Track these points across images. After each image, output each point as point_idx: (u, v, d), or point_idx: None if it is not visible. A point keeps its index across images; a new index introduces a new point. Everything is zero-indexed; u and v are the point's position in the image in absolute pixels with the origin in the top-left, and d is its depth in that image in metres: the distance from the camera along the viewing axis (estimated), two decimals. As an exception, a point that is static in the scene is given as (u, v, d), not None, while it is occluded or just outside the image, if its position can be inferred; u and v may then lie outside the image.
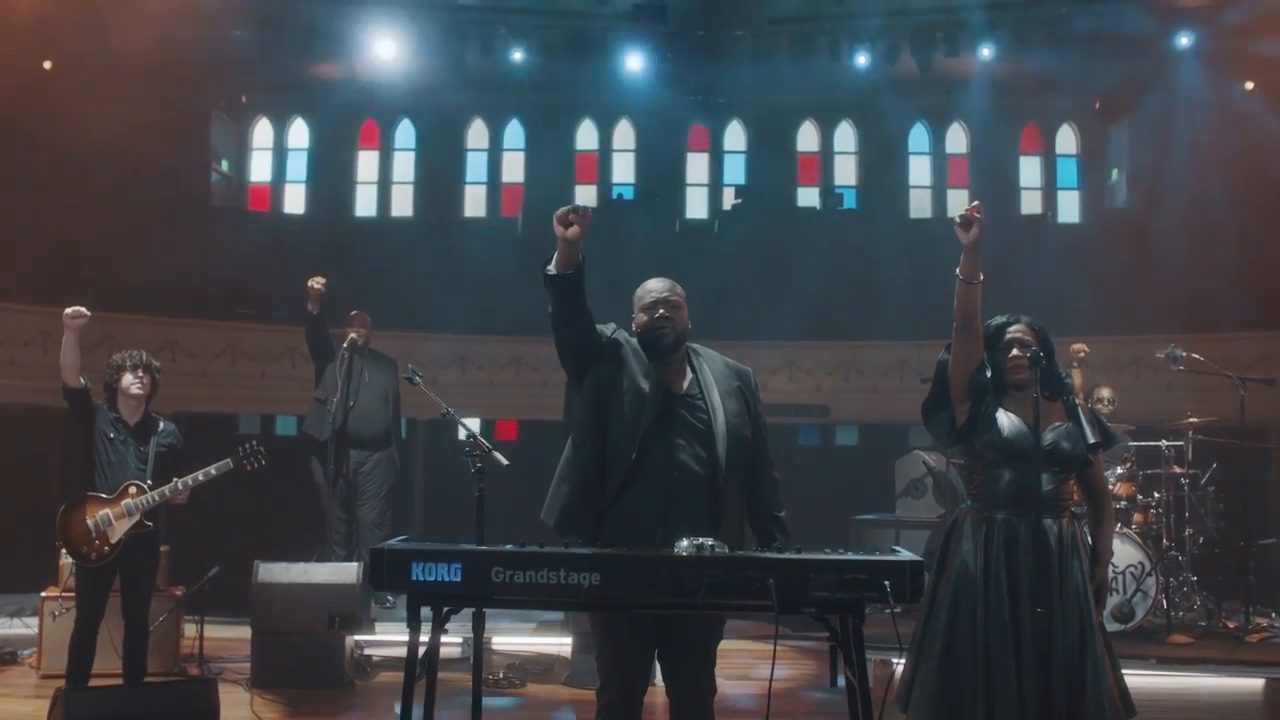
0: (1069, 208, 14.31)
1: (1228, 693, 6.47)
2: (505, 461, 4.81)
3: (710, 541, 3.21)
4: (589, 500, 3.60)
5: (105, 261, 10.02)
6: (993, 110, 13.19)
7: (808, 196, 14.01)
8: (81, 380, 5.26)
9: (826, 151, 14.33)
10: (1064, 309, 9.64)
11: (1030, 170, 14.32)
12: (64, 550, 5.60)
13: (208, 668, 6.36)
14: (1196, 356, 7.79)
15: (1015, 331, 3.94)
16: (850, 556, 3.22)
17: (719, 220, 13.60)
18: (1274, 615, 8.19)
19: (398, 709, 3.30)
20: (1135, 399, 9.43)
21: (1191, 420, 8.04)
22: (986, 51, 11.98)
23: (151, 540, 5.39)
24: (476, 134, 14.30)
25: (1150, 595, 7.42)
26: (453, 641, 6.18)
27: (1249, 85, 11.64)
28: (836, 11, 11.97)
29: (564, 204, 3.51)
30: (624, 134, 14.38)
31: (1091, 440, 3.90)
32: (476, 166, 14.31)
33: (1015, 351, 3.89)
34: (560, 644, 6.84)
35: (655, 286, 3.75)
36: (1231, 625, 7.72)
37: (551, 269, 3.50)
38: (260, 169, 14.18)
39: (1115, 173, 14.13)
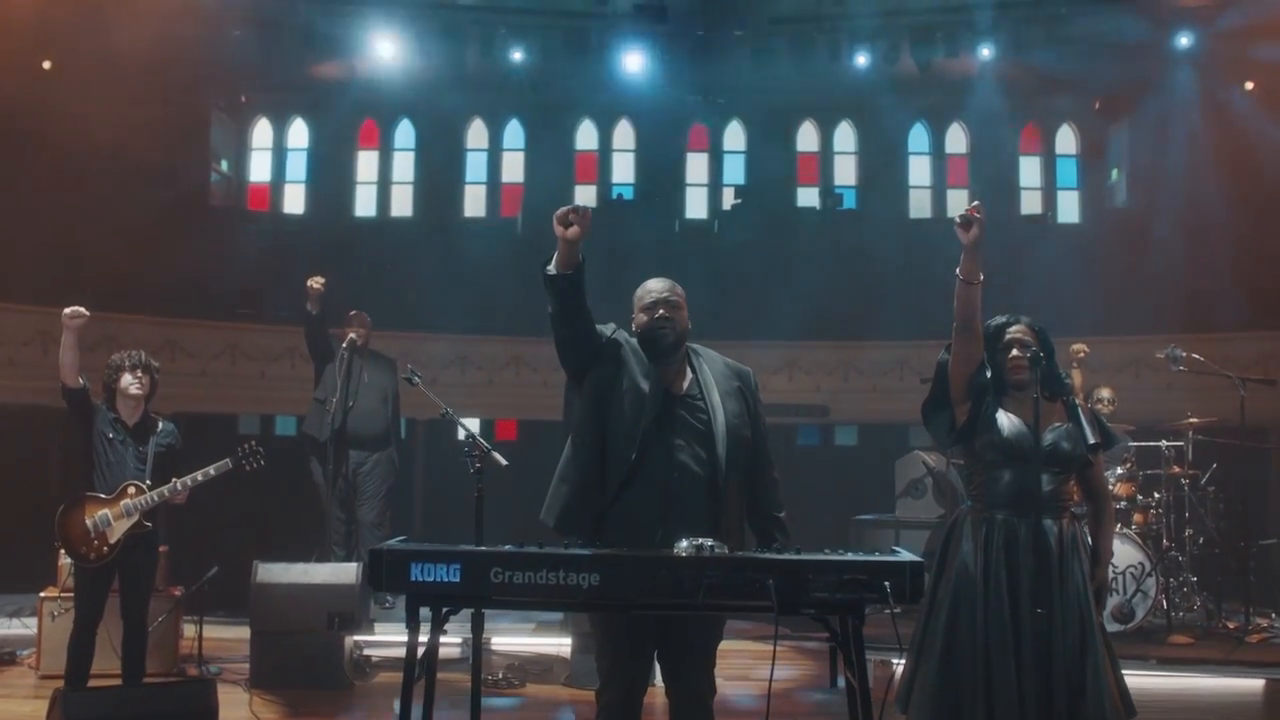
0: (1069, 208, 14.29)
1: (1228, 693, 6.46)
2: (504, 462, 4.81)
3: (710, 542, 3.21)
4: (589, 500, 3.60)
5: (104, 261, 10.01)
6: (992, 110, 13.17)
7: (807, 196, 14.00)
8: (80, 380, 5.25)
9: (826, 152, 14.31)
10: (1064, 309, 9.63)
11: (1030, 170, 14.30)
12: (63, 550, 5.59)
13: (207, 668, 6.36)
14: (1196, 356, 7.79)
15: (1015, 332, 3.94)
16: (850, 557, 3.21)
17: (719, 220, 13.59)
18: (1274, 616, 8.19)
19: (397, 709, 3.28)
20: (1135, 399, 9.43)
21: (1191, 420, 8.04)
22: (986, 51, 11.98)
23: (150, 540, 5.38)
24: (476, 134, 14.29)
25: (1150, 596, 7.42)
26: (452, 642, 6.18)
27: (1249, 85, 11.63)
28: (836, 11, 11.96)
29: (564, 204, 3.51)
30: (624, 134, 14.37)
31: (1091, 441, 3.90)
32: (476, 166, 14.29)
33: (1015, 352, 3.89)
34: (560, 644, 6.83)
35: (655, 287, 3.74)
36: (1231, 626, 7.71)
37: (551, 269, 3.49)
38: (260, 169, 14.16)
39: (1115, 173, 14.12)
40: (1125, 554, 7.32)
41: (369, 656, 6.61)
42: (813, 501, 9.15)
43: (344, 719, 5.78)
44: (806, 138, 14.35)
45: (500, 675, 6.28)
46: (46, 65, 10.65)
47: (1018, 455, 3.79)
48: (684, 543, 3.21)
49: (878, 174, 14.04)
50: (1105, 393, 8.01)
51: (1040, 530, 3.75)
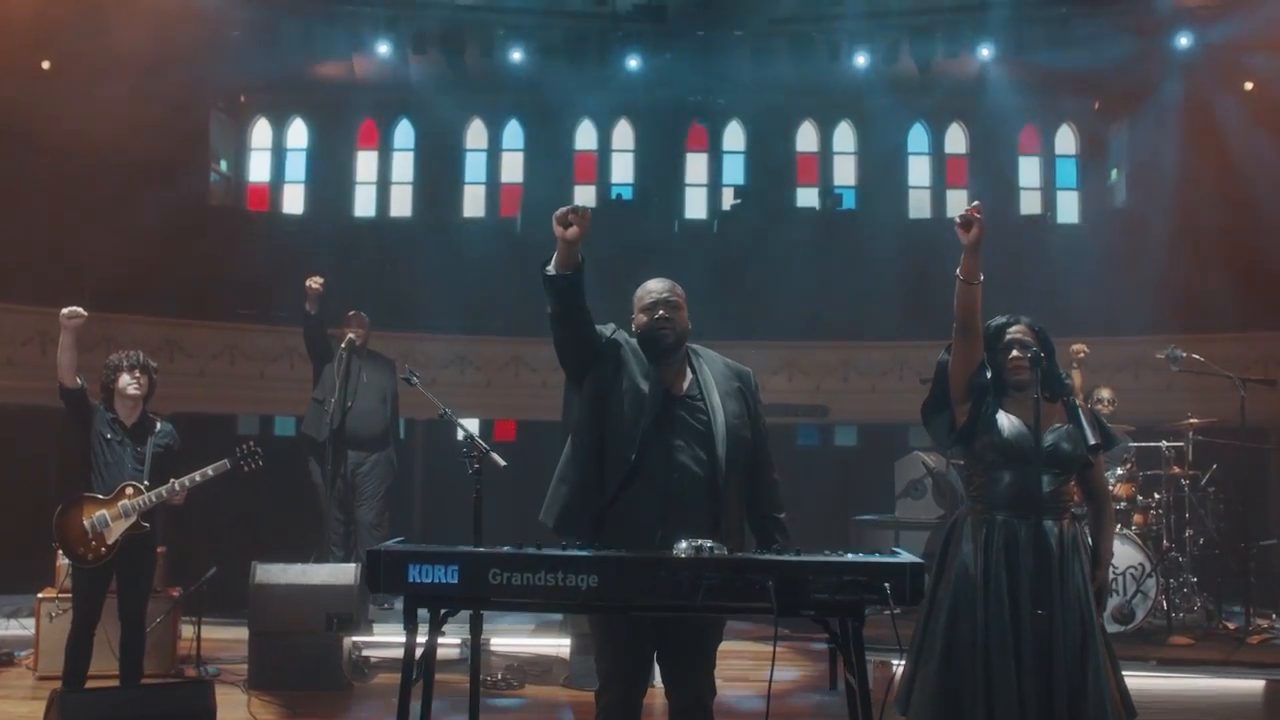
0: (1068, 208, 14.28)
1: (1228, 694, 6.45)
2: (503, 462, 4.80)
3: (709, 543, 3.20)
4: (588, 501, 3.59)
5: (103, 261, 9.99)
6: (992, 110, 13.17)
7: (807, 197, 13.99)
8: (78, 381, 5.24)
9: (825, 152, 14.30)
10: (1064, 309, 9.63)
11: (1030, 170, 14.30)
12: (61, 551, 5.58)
13: (205, 669, 6.35)
14: (1196, 357, 7.78)
15: (1015, 332, 3.93)
16: (850, 558, 3.20)
17: (718, 220, 13.58)
18: (1274, 617, 8.18)
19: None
20: (1135, 399, 9.43)
21: (1192, 421, 8.03)
22: (986, 51, 11.98)
23: (148, 541, 5.37)
24: (475, 134, 14.28)
25: (1150, 597, 7.41)
26: (451, 643, 6.17)
27: (1248, 86, 11.62)
28: (835, 12, 11.96)
29: (563, 204, 3.49)
30: (623, 134, 14.36)
31: (1092, 441, 3.89)
32: (475, 167, 14.28)
33: (1015, 352, 3.88)
34: (559, 645, 6.83)
35: (655, 287, 3.73)
36: (1232, 627, 7.71)
37: (551, 269, 3.48)
38: (259, 169, 14.15)
39: (1114, 173, 14.11)
40: (1125, 555, 7.31)
41: (368, 657, 6.60)
42: (813, 502, 9.15)
43: (342, 720, 5.78)
44: (806, 138, 14.34)
45: (499, 676, 6.28)
46: (46, 65, 10.63)
47: (1018, 456, 3.78)
48: (683, 544, 3.20)
49: (877, 174, 14.03)
50: (1105, 393, 8.00)
51: (1040, 531, 3.74)
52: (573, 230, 3.43)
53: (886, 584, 3.12)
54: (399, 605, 3.33)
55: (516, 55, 12.01)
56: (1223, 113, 11.49)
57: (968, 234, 3.76)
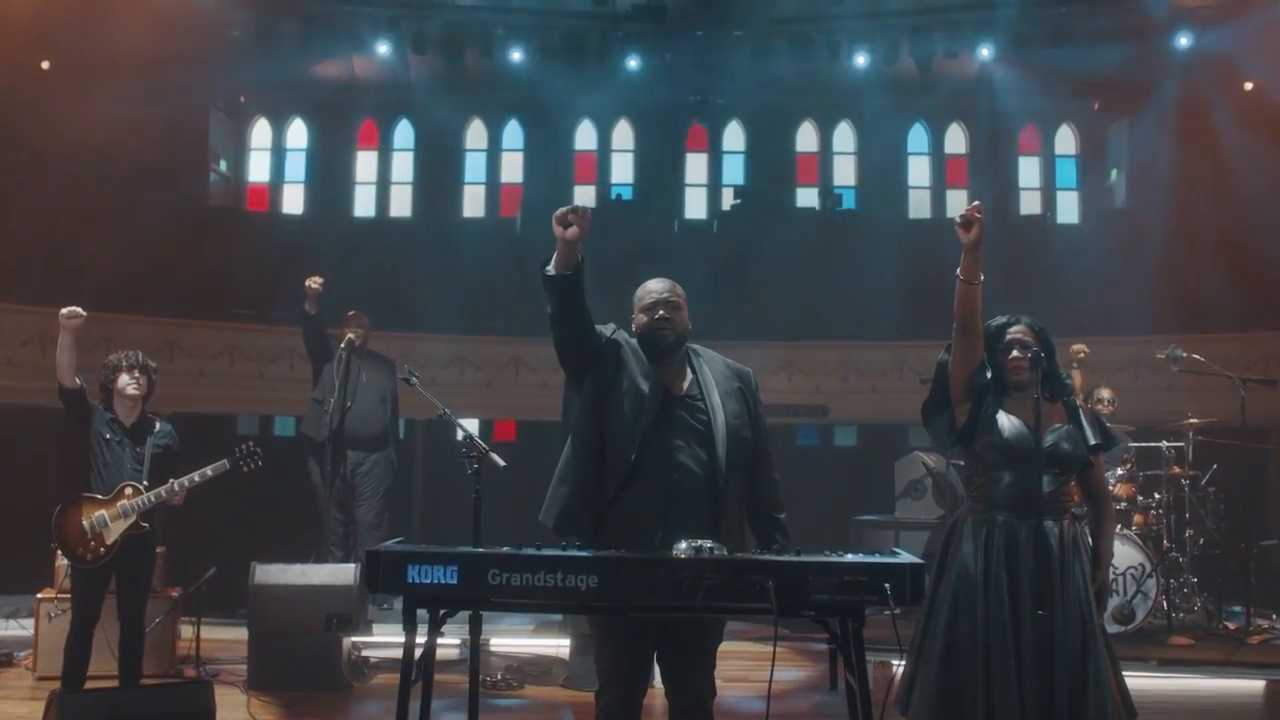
0: (1068, 208, 14.29)
1: (1228, 694, 6.45)
2: (502, 463, 4.80)
3: (709, 543, 3.19)
4: (588, 501, 3.58)
5: (103, 262, 9.99)
6: (991, 111, 13.17)
7: (807, 197, 13.99)
8: (77, 381, 5.24)
9: (825, 152, 14.31)
10: (1064, 309, 9.62)
11: (1029, 170, 14.30)
12: (60, 551, 5.56)
13: (204, 669, 6.34)
14: (1197, 357, 7.77)
15: (1015, 332, 3.92)
16: (850, 559, 3.19)
17: (718, 221, 13.58)
18: (1274, 617, 8.18)
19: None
20: (1135, 399, 9.42)
21: (1192, 421, 8.02)
22: (986, 51, 11.99)
23: (148, 541, 5.36)
24: (475, 134, 14.28)
25: (1150, 597, 7.41)
26: (450, 643, 6.16)
27: (1248, 86, 11.62)
28: (835, 11, 11.97)
29: (563, 204, 3.49)
30: (623, 134, 14.36)
31: (1092, 441, 3.88)
32: (475, 167, 14.28)
33: (1015, 352, 3.87)
34: (559, 645, 6.82)
35: (655, 287, 3.73)
36: (1232, 627, 7.71)
37: (551, 269, 3.48)
38: (259, 169, 14.15)
39: (1114, 173, 14.11)
40: (1125, 555, 7.31)
41: (367, 658, 6.60)
42: (812, 502, 9.13)
43: (342, 720, 5.77)
44: (806, 138, 14.34)
45: (499, 677, 6.27)
46: (45, 65, 10.63)
47: (1018, 456, 3.77)
48: (683, 544, 3.19)
49: (877, 174, 14.03)
50: (1105, 393, 7.99)
51: (1041, 532, 3.73)
52: (572, 230, 3.42)
53: (887, 584, 3.11)
54: (398, 605, 3.33)
55: (516, 55, 12.01)
56: (1222, 112, 11.49)
57: (968, 234, 3.75)
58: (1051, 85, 12.71)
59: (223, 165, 13.83)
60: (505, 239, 12.70)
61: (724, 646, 3.74)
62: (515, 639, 7.25)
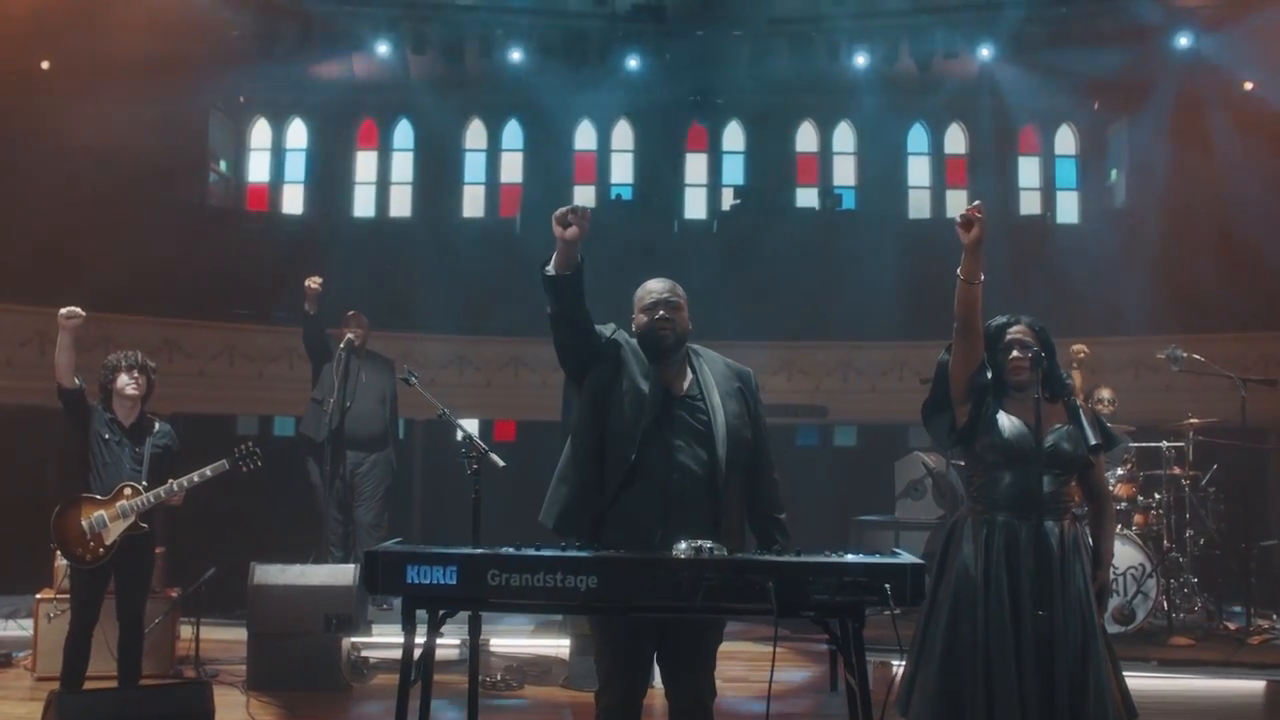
0: (1068, 208, 14.30)
1: (1228, 695, 6.45)
2: (501, 463, 4.79)
3: (709, 544, 3.19)
4: (588, 501, 3.58)
5: (102, 262, 9.98)
6: (991, 110, 13.17)
7: (806, 197, 13.99)
8: (76, 381, 5.23)
9: (825, 152, 14.31)
10: (1064, 309, 9.61)
11: (1029, 170, 14.31)
12: (59, 552, 5.56)
13: (203, 670, 6.33)
14: (1197, 357, 7.77)
15: (1016, 332, 3.92)
16: (850, 559, 3.19)
17: (718, 221, 13.58)
18: (1275, 617, 8.17)
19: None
20: (1135, 400, 9.41)
21: (1192, 421, 8.01)
22: (986, 51, 11.99)
23: (147, 542, 5.35)
24: (475, 134, 14.28)
25: (1151, 597, 7.40)
26: (450, 643, 6.16)
27: (1248, 86, 11.62)
28: (835, 11, 11.97)
29: (562, 204, 3.48)
30: (622, 134, 14.36)
31: (1092, 442, 3.88)
32: (475, 167, 14.29)
33: (1016, 352, 3.86)
34: (558, 646, 6.81)
35: (655, 287, 3.72)
36: (1232, 627, 7.70)
37: (550, 270, 3.47)
38: (258, 169, 14.16)
39: (1114, 173, 14.12)
40: (1126, 555, 7.30)
41: (366, 658, 6.59)
42: (813, 502, 9.13)
43: (341, 721, 5.76)
44: (805, 138, 14.35)
45: (498, 677, 6.26)
46: (44, 65, 10.63)
47: (1018, 456, 3.77)
48: (683, 544, 3.19)
49: (877, 174, 14.04)
50: (1105, 393, 7.99)
51: (1041, 532, 3.73)
52: (572, 230, 3.42)
53: (887, 585, 3.11)
54: (398, 606, 3.32)
55: (516, 55, 12.01)
56: (1222, 111, 11.49)
57: (968, 234, 3.75)
58: (1051, 85, 12.72)
59: (223, 165, 13.84)
60: (505, 239, 12.71)
61: (724, 647, 3.74)
62: (515, 639, 7.25)
